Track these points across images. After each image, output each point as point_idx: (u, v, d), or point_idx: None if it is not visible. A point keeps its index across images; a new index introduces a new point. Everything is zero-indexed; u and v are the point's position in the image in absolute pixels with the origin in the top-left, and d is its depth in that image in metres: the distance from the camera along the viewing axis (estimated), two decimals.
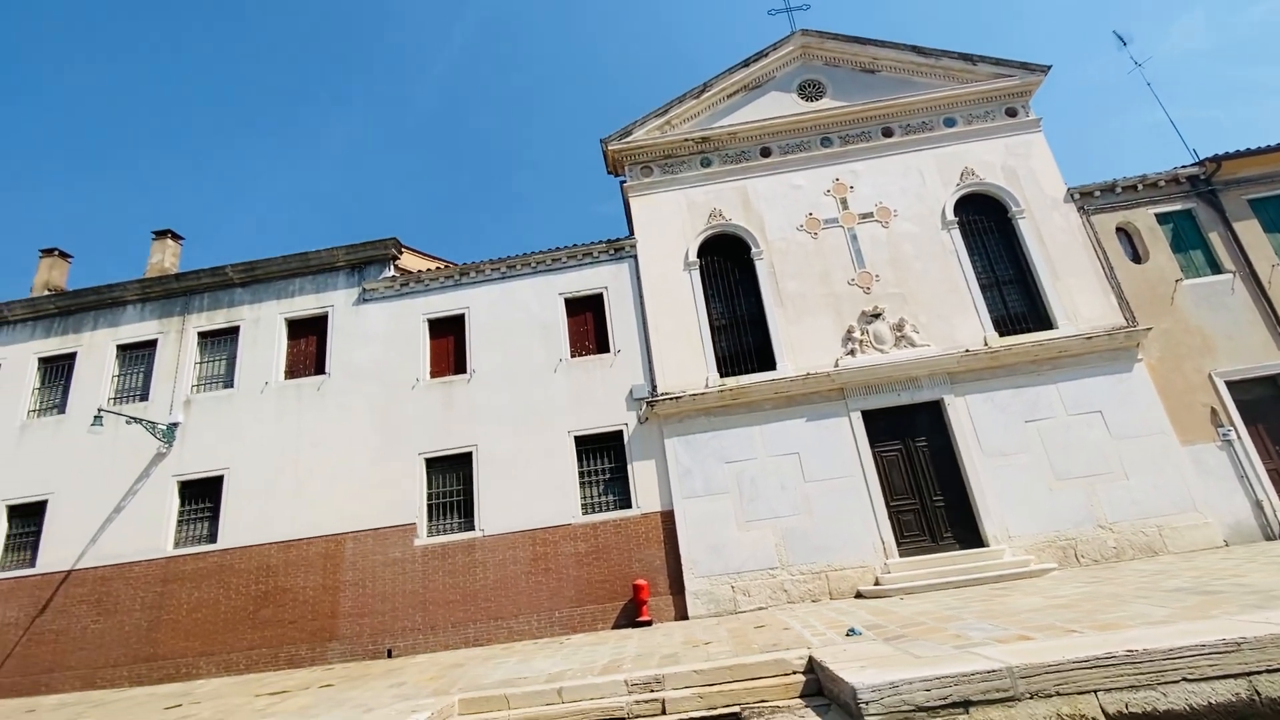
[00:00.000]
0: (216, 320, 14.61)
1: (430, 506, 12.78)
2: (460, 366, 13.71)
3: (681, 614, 11.49)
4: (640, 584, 11.48)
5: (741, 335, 13.41)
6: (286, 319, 14.45)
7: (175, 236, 16.64)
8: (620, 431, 12.77)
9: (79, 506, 13.43)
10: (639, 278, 13.78)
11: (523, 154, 67.53)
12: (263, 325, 14.44)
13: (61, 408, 14.45)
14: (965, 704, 5.03)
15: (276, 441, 13.40)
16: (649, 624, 11.28)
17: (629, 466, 12.52)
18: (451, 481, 12.92)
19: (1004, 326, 12.83)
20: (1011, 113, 14.32)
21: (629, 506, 12.30)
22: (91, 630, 12.57)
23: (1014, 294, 13.20)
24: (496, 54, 64.89)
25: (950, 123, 14.34)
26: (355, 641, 11.92)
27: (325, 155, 65.44)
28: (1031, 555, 11.02)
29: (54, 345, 15.01)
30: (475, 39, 65.91)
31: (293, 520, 12.75)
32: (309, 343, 14.35)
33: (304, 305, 14.51)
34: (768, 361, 12.98)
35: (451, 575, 12.15)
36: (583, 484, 12.61)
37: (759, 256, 13.61)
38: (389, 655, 11.75)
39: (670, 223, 14.08)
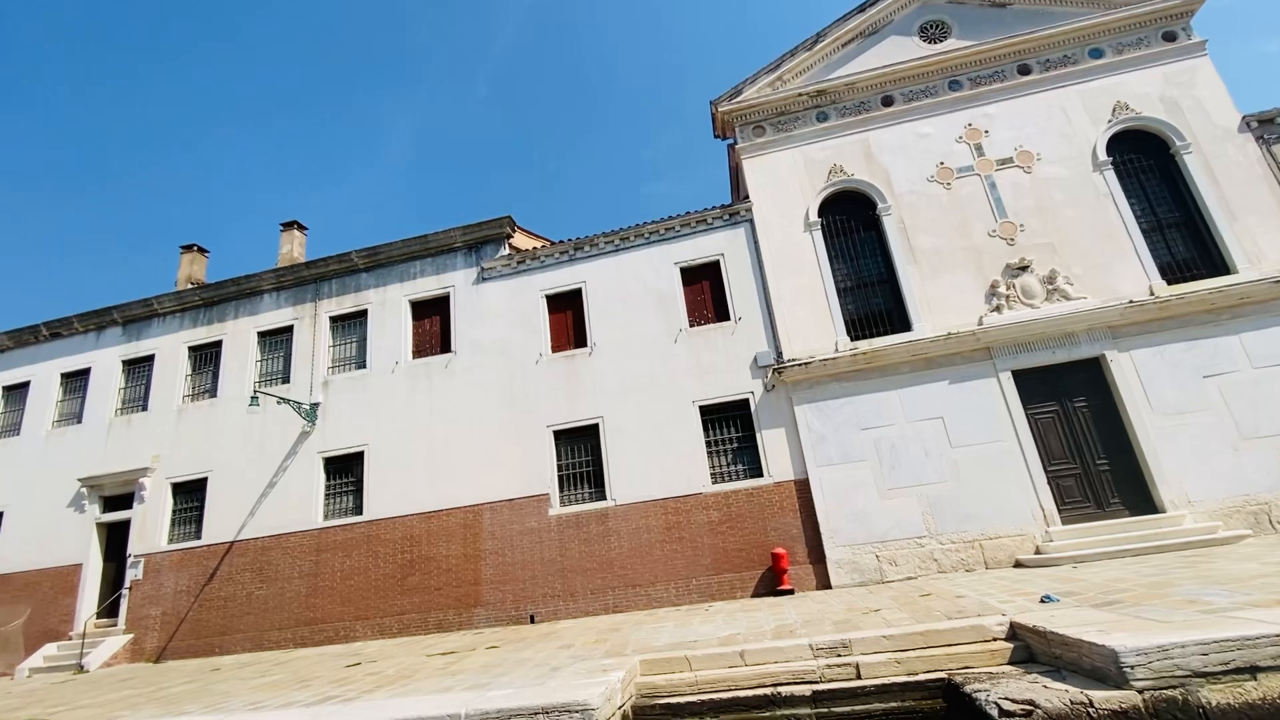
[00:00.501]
0: (345, 305, 15.28)
1: (561, 477, 12.98)
2: (580, 340, 13.78)
3: (823, 583, 11.21)
4: (779, 552, 11.26)
5: (870, 296, 12.80)
6: (410, 300, 14.93)
7: (300, 227, 17.50)
8: (746, 400, 12.51)
9: (235, 483, 14.46)
10: (756, 242, 13.36)
11: (578, 136, 67.55)
12: (389, 307, 14.98)
13: (213, 392, 15.55)
14: (1252, 670, 4.54)
15: (410, 417, 13.92)
16: (790, 592, 11.07)
17: (758, 435, 12.26)
18: (580, 453, 13.06)
19: (1171, 274, 11.66)
20: (1169, 36, 12.87)
21: (760, 475, 12.07)
22: (256, 596, 13.55)
23: (1181, 238, 11.95)
24: (542, 51, 64.86)
25: (1097, 54, 13.04)
26: (499, 607, 12.32)
27: (392, 148, 67.67)
28: (1218, 521, 10.04)
29: (201, 334, 16.13)
30: (521, 39, 66.06)
31: (432, 492, 13.25)
32: (433, 323, 14.78)
33: (426, 286, 14.93)
34: (901, 322, 12.35)
35: (586, 544, 12.32)
36: (710, 453, 12.46)
37: (886, 212, 12.90)
38: (532, 621, 12.08)
39: (787, 183, 13.54)
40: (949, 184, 12.84)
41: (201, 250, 18.01)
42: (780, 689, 6.56)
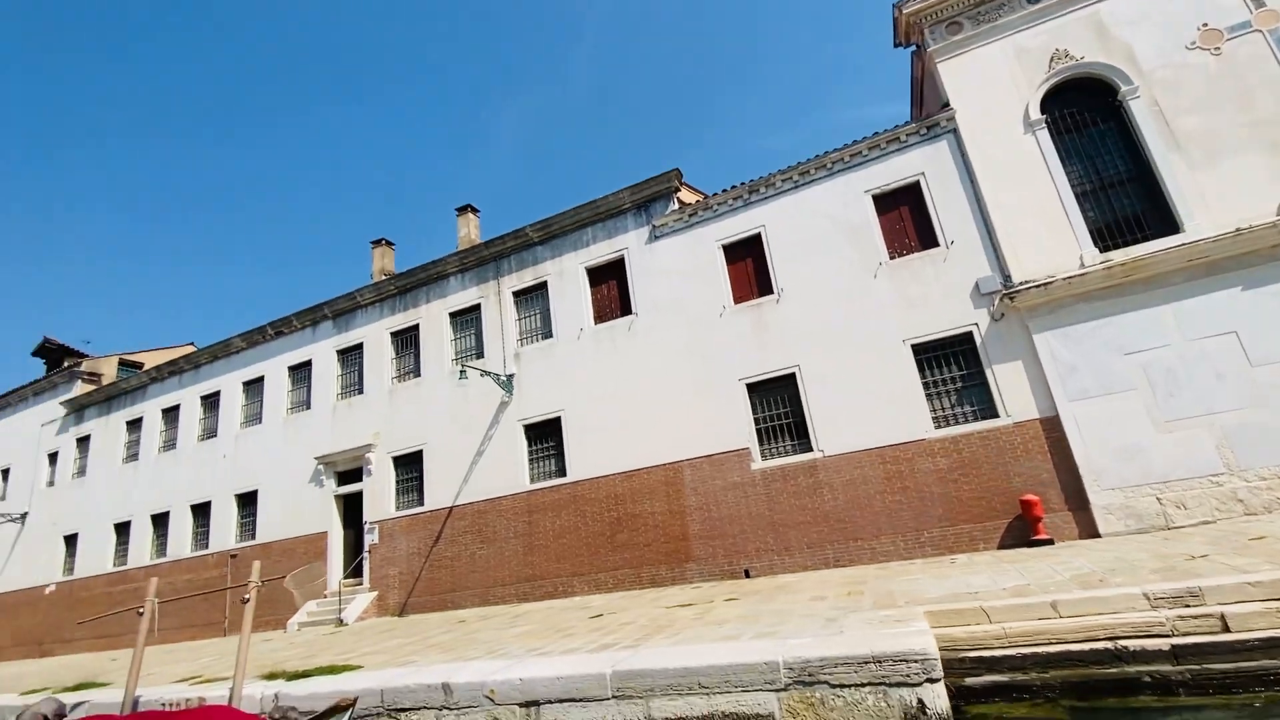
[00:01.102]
0: (525, 279, 15.73)
1: (759, 431, 12.50)
2: (765, 288, 13.08)
3: (1088, 532, 9.80)
4: (1030, 499, 9.99)
5: (1116, 199, 10.86)
6: (586, 268, 15.04)
7: (474, 210, 18.30)
8: (969, 333, 11.19)
9: (447, 453, 15.55)
10: (963, 154, 11.80)
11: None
12: (566, 277, 15.20)
13: (416, 372, 16.80)
14: None
15: (599, 381, 14.09)
16: (1049, 542, 9.80)
17: (987, 371, 10.93)
18: (777, 404, 12.47)
19: None
20: None
21: (994, 416, 10.77)
22: (479, 555, 14.55)
23: None
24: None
25: None
26: (710, 562, 12.19)
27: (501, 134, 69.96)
28: None
29: (399, 320, 17.44)
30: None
31: (629, 452, 13.35)
32: (610, 287, 14.80)
33: (600, 252, 14.95)
34: (1163, 224, 10.34)
35: (796, 497, 11.78)
36: (929, 395, 11.33)
37: (1132, 95, 10.79)
38: (747, 575, 11.82)
39: (996, 81, 11.77)
40: (1218, 49, 10.45)
41: (388, 243, 19.47)
42: (1122, 643, 5.62)
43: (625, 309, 14.41)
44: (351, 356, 18.06)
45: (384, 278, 18.41)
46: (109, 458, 21.95)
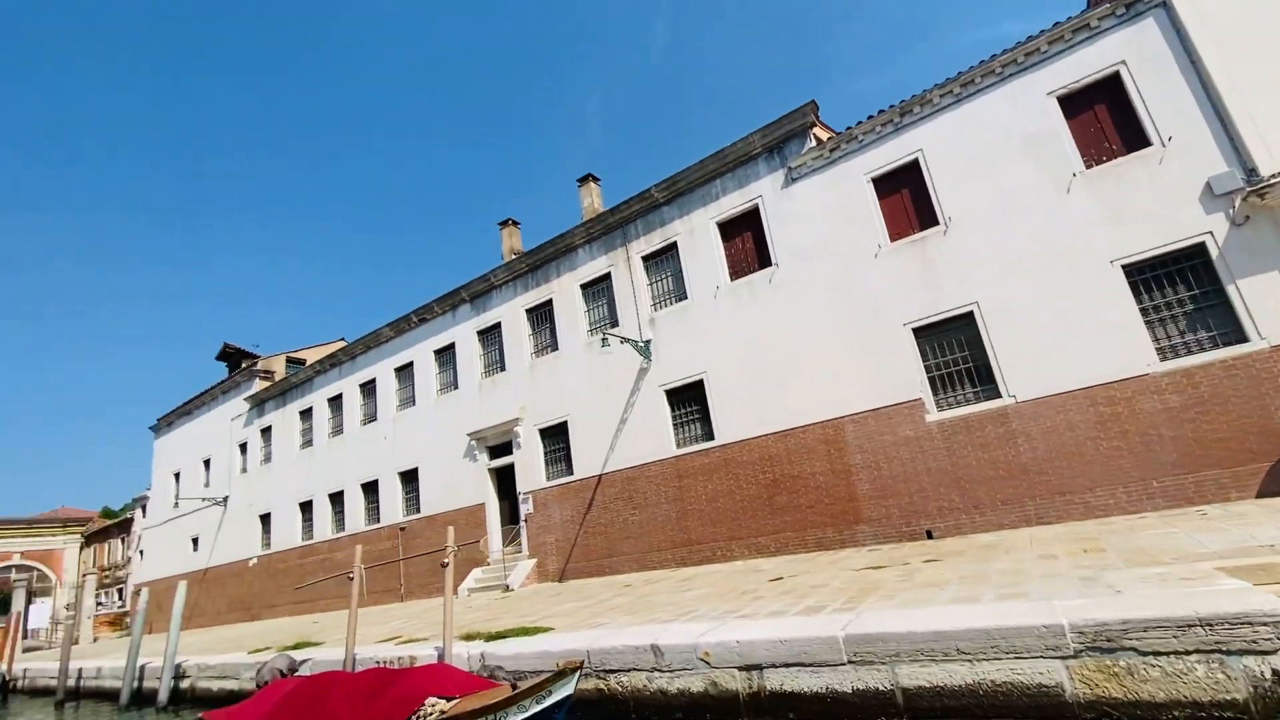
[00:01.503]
0: (654, 242, 15.30)
1: (932, 379, 11.33)
2: (928, 219, 11.74)
3: None
4: None
5: None
6: (717, 223, 14.33)
7: (594, 179, 18.13)
8: (1200, 245, 9.34)
9: (590, 422, 15.62)
10: (1179, 30, 9.77)
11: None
12: (696, 235, 14.59)
13: (554, 346, 16.99)
14: None
15: (741, 339, 13.44)
16: None
17: (1228, 288, 9.08)
18: (951, 348, 11.22)
19: None
20: None
21: (1242, 340, 8.95)
22: (631, 521, 14.54)
23: None
24: None
25: None
26: (885, 523, 11.30)
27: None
28: None
29: (532, 297, 17.69)
30: None
31: (782, 411, 12.65)
32: (745, 240, 14.02)
33: (730, 204, 14.18)
34: None
35: (984, 450, 10.56)
36: (1149, 323, 9.64)
37: None
38: (929, 536, 10.82)
39: None
40: None
41: (514, 223, 19.82)
42: None
43: (763, 261, 13.59)
44: (491, 336, 18.63)
45: (514, 256, 18.75)
46: (288, 445, 24.44)
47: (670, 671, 5.93)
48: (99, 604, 39.35)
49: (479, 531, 17.46)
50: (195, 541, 28.09)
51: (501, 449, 17.62)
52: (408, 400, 20.71)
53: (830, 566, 9.59)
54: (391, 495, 20.09)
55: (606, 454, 15.18)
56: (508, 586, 15.42)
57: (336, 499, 22.06)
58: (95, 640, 31.15)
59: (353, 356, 22.67)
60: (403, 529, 19.34)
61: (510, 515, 17.33)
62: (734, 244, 14.17)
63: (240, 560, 25.53)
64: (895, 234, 12.06)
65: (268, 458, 25.40)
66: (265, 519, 24.92)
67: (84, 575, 41.45)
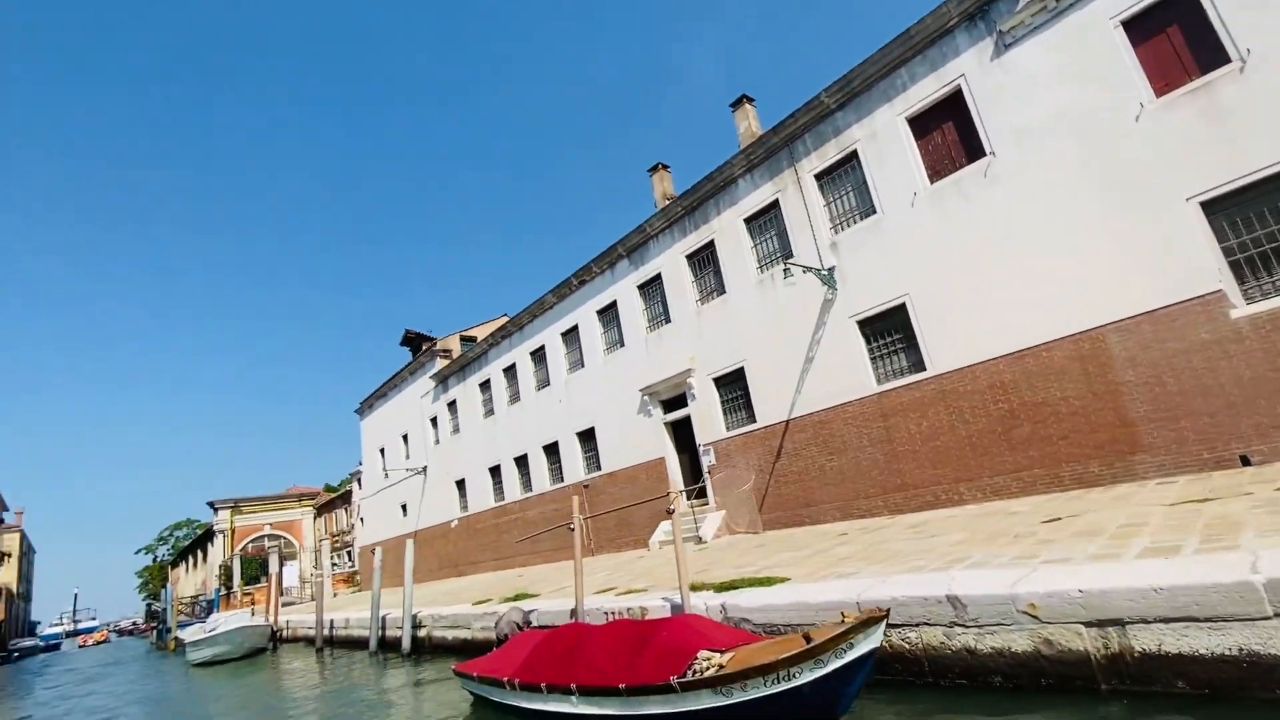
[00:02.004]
0: (828, 155, 13.60)
1: (1235, 264, 8.76)
2: (1209, 61, 8.98)
3: None
4: None
5: None
6: (906, 118, 12.31)
7: (749, 100, 16.67)
8: None
9: (770, 365, 14.52)
10: None
11: None
12: (880, 138, 12.68)
13: (720, 289, 16.01)
14: None
15: (952, 249, 11.49)
16: None
17: None
18: (1265, 221, 8.56)
19: None
20: None
21: None
22: (829, 467, 13.34)
23: None
24: None
25: None
26: (1174, 451, 9.07)
27: None
28: None
29: (692, 241, 16.78)
30: None
31: (1014, 328, 10.65)
32: (945, 132, 11.90)
33: (922, 94, 12.06)
34: None
35: None
36: None
37: None
38: (1245, 463, 8.48)
39: None
40: None
41: (664, 167, 18.98)
42: None
43: (973, 153, 11.42)
44: (653, 288, 18.09)
45: (667, 202, 17.91)
46: (473, 415, 26.14)
47: (978, 627, 4.83)
48: (334, 564, 46.08)
49: (661, 486, 17.20)
50: (404, 508, 31.42)
51: (675, 402, 17.15)
52: (576, 363, 20.98)
53: (1118, 503, 7.78)
54: (572, 455, 20.61)
55: (793, 397, 14.03)
56: (700, 539, 15.02)
57: (521, 462, 23.21)
58: (335, 595, 36.54)
59: (520, 327, 23.46)
60: (586, 486, 19.77)
61: (691, 468, 16.89)
62: (930, 140, 12.09)
63: (443, 522, 28.07)
64: (1163, 86, 9.39)
65: (456, 429, 27.42)
66: (460, 484, 27.05)
67: (320, 540, 48.77)
